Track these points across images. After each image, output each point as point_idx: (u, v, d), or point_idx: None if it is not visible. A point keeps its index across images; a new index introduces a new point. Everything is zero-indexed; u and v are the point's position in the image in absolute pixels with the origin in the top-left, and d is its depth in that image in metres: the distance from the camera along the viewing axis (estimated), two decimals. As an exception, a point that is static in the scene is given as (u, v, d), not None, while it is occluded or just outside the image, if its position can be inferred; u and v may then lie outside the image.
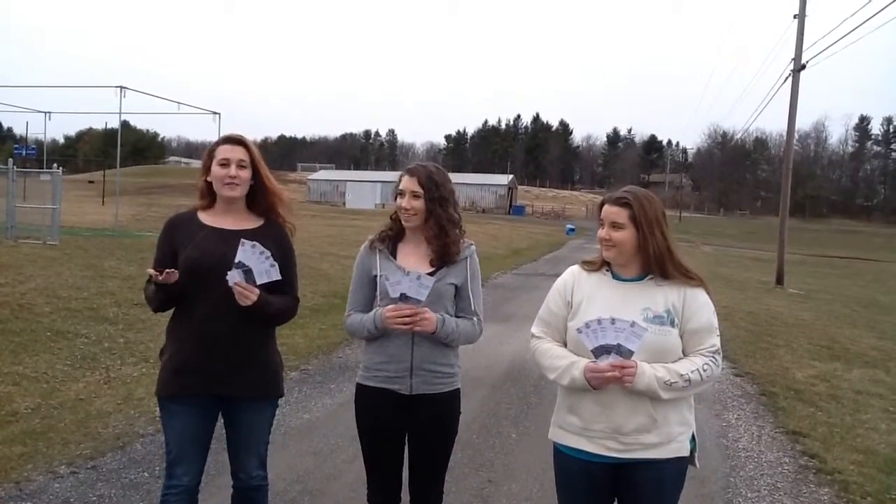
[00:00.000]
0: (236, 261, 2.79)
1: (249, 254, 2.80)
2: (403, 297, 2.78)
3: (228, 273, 2.79)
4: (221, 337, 2.88)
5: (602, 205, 2.71)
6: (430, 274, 2.89)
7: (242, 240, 2.81)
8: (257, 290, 2.81)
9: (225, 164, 2.92)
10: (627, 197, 2.65)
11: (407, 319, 2.78)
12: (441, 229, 2.96)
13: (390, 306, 2.81)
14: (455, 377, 3.03)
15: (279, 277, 2.85)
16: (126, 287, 9.68)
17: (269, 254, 2.82)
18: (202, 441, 3.01)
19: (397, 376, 2.92)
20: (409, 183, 2.95)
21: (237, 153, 2.93)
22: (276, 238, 3.04)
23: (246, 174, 2.96)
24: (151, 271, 2.80)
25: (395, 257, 2.98)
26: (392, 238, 3.03)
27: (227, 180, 2.92)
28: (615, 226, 2.62)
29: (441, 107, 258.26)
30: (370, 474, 3.08)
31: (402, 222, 2.98)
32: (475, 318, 3.02)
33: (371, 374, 2.98)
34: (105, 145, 78.11)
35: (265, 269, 2.81)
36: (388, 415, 2.96)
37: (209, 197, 3.03)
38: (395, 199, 3.02)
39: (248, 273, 2.80)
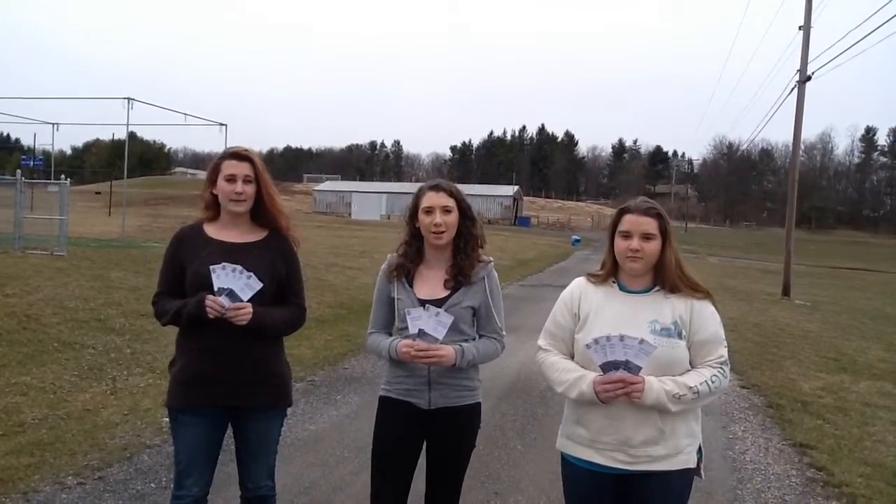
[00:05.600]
0: (216, 288, 2.82)
1: (224, 276, 2.83)
2: (422, 333, 2.78)
3: (208, 303, 2.79)
4: (230, 348, 2.90)
5: (621, 215, 2.65)
6: (446, 298, 2.90)
7: (212, 266, 2.82)
8: (250, 306, 2.83)
9: (231, 179, 2.94)
10: (656, 207, 2.63)
11: (422, 355, 2.77)
12: (467, 245, 2.95)
13: (406, 341, 2.81)
14: (476, 391, 3.02)
15: (261, 285, 2.85)
16: (133, 298, 9.72)
17: (241, 269, 2.83)
18: (211, 452, 3.03)
19: (416, 389, 2.93)
20: (438, 198, 2.90)
21: (243, 168, 2.95)
22: (280, 249, 3.07)
23: (251, 189, 2.98)
24: (217, 307, 2.80)
25: (411, 284, 2.96)
26: (408, 266, 2.98)
27: (234, 196, 2.94)
28: (647, 237, 2.58)
29: (446, 118, 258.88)
30: (380, 484, 3.01)
31: (432, 241, 2.92)
32: (497, 335, 3.00)
33: (392, 386, 3.00)
34: (112, 156, 78.51)
35: (244, 284, 2.84)
36: (405, 426, 2.96)
37: (214, 209, 3.06)
38: (410, 218, 2.98)
39: (231, 294, 2.83)
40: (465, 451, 3.04)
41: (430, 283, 2.96)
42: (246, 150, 3.02)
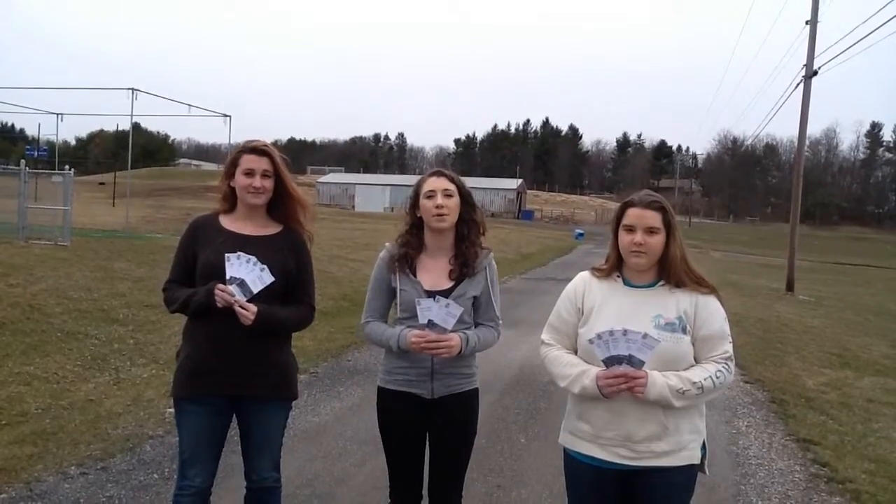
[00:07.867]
0: (228, 276, 2.82)
1: (238, 266, 2.83)
2: (431, 324, 2.80)
3: (217, 291, 2.80)
4: (236, 338, 2.89)
5: (624, 208, 2.62)
6: (452, 289, 2.91)
7: (227, 255, 2.84)
8: (255, 309, 2.83)
9: (249, 173, 2.95)
10: (660, 200, 2.60)
11: (432, 345, 2.79)
12: (471, 231, 2.97)
13: (416, 332, 2.81)
14: (474, 377, 3.06)
15: (272, 279, 2.87)
16: (136, 289, 9.71)
17: (255, 260, 2.84)
18: (216, 442, 3.03)
19: (418, 380, 2.94)
20: (439, 182, 2.93)
21: (262, 163, 2.97)
22: (292, 244, 3.08)
23: (269, 184, 2.99)
24: (226, 296, 2.81)
25: (414, 273, 2.96)
26: (410, 254, 2.98)
27: (251, 190, 2.96)
28: (651, 231, 2.55)
29: (451, 111, 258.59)
30: (392, 475, 3.11)
31: (434, 224, 2.91)
32: (494, 324, 3.04)
33: (392, 377, 3.00)
34: (116, 147, 78.58)
35: (256, 276, 2.84)
36: (410, 418, 2.99)
37: (230, 201, 3.07)
38: (411, 207, 2.99)
39: (242, 285, 2.83)
40: (469, 437, 3.08)
41: (434, 273, 2.96)
42: (265, 145, 3.03)
